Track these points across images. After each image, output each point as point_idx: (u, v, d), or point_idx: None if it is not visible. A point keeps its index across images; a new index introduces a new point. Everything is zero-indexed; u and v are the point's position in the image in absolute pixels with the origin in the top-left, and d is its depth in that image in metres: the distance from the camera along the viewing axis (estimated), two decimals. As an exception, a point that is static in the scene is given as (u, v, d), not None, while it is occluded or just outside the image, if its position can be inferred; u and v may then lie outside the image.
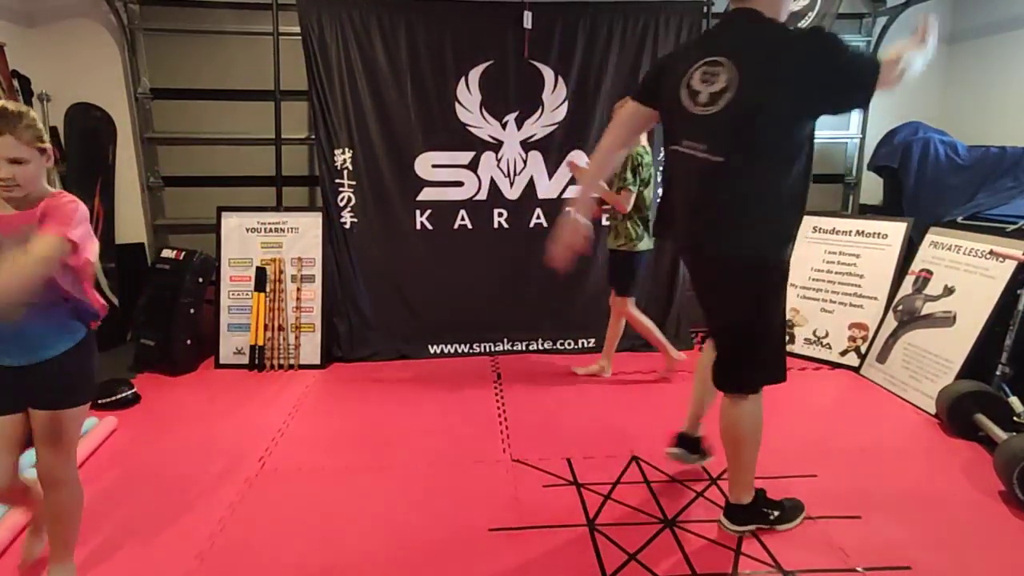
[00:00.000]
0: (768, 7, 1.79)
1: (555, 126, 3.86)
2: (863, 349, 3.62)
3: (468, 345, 3.96)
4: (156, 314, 3.61)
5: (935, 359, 3.15)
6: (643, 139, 3.21)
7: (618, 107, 2.89)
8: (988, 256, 3.09)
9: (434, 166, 3.85)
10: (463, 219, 3.93)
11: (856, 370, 3.59)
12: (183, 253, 3.70)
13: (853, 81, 1.69)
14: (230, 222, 3.77)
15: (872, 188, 4.45)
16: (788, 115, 1.75)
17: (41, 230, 1.51)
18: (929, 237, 3.51)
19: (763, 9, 1.79)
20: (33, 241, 1.48)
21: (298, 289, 3.76)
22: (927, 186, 3.89)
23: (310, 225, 3.79)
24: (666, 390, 3.39)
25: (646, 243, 3.24)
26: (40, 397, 1.69)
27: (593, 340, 3.99)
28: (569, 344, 4.00)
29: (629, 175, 3.10)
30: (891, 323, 3.49)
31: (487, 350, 3.96)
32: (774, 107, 1.73)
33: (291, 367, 3.68)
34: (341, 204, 3.83)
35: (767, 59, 1.74)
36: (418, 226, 3.90)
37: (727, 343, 2.03)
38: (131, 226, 4.10)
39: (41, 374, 1.66)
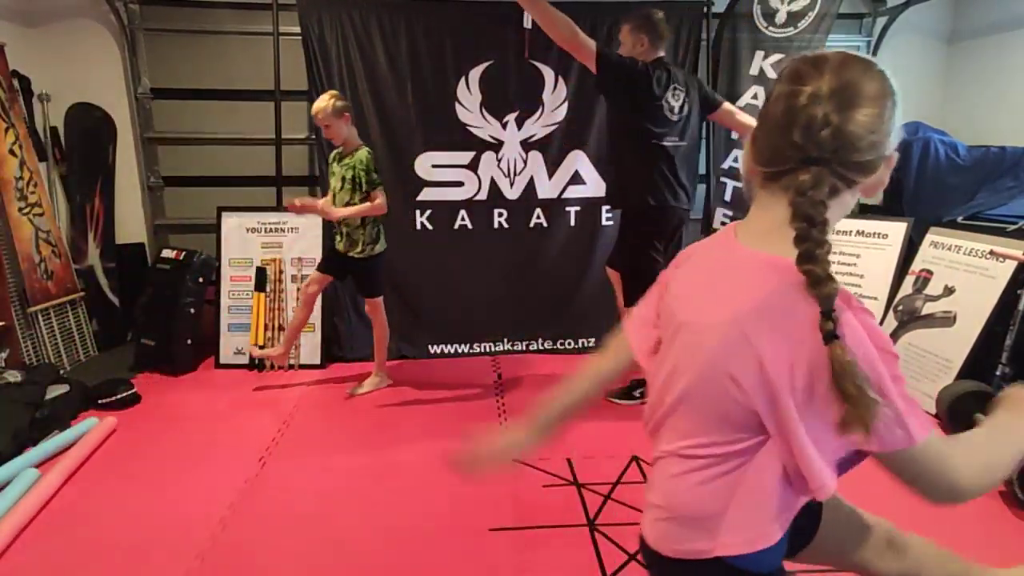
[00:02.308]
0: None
1: (555, 126, 3.86)
2: (863, 349, 3.61)
3: (468, 345, 3.96)
4: (156, 314, 3.61)
5: (935, 359, 3.14)
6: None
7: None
8: (988, 256, 3.09)
9: (434, 166, 3.85)
10: (463, 219, 3.92)
11: (856, 370, 3.58)
12: (183, 253, 3.70)
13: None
14: (230, 222, 3.77)
15: (872, 188, 4.44)
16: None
17: None
18: (929, 237, 3.51)
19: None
20: None
21: (298, 289, 3.75)
22: (927, 186, 3.89)
23: (310, 225, 3.78)
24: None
25: (382, 244, 3.22)
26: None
27: (593, 340, 3.99)
28: (569, 344, 4.00)
29: (375, 175, 3.08)
30: (891, 323, 3.49)
31: (487, 350, 3.96)
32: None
33: (291, 367, 3.68)
34: (341, 204, 3.83)
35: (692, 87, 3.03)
36: (418, 226, 3.90)
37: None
38: (131, 226, 4.10)
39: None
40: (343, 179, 3.09)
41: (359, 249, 3.16)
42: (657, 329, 1.04)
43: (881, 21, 4.25)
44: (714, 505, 0.92)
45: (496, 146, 3.85)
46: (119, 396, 3.10)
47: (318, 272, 3.25)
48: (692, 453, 0.94)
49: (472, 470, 1.12)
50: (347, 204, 3.09)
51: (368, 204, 3.07)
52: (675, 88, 2.95)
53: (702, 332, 0.90)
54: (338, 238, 3.21)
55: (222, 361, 3.69)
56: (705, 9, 3.88)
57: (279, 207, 3.85)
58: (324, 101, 3.00)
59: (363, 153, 3.08)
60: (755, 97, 3.99)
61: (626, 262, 3.04)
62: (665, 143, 2.92)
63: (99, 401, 3.07)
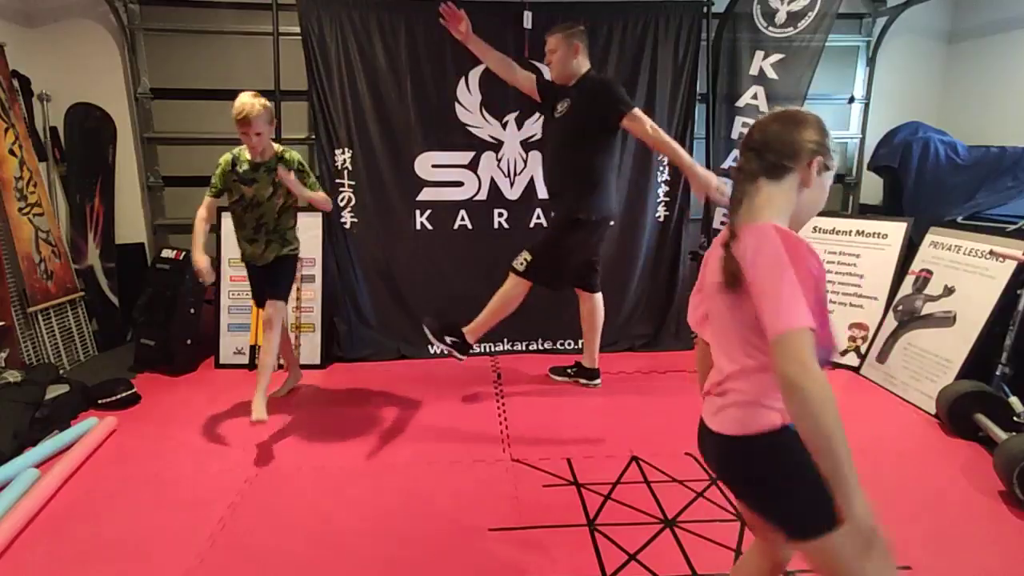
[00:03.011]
0: None
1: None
2: (863, 349, 3.62)
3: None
4: (156, 314, 3.61)
5: (935, 359, 3.15)
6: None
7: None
8: (988, 256, 3.09)
9: (434, 166, 3.85)
10: (463, 219, 3.93)
11: (856, 370, 3.59)
12: (183, 253, 3.70)
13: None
14: (230, 222, 3.76)
15: (872, 188, 4.45)
16: None
17: None
18: (929, 237, 3.51)
19: None
20: None
21: (298, 289, 3.75)
22: (927, 186, 3.89)
23: (310, 225, 3.78)
24: (667, 390, 3.39)
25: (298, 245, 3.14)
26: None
27: (593, 340, 4.00)
28: (569, 344, 4.00)
29: (311, 177, 2.97)
30: (891, 323, 3.49)
31: (487, 350, 3.96)
32: None
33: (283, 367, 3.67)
34: (341, 204, 3.83)
35: None
36: (418, 226, 3.90)
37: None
38: (131, 226, 4.10)
39: None
40: (274, 184, 2.86)
41: (292, 247, 3.03)
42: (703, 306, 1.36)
43: (881, 21, 4.25)
44: None
45: (496, 146, 3.85)
46: (119, 396, 3.10)
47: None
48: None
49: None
50: (281, 207, 2.92)
51: (326, 196, 2.95)
52: None
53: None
54: (255, 248, 2.98)
55: (222, 361, 3.69)
56: (705, 9, 3.88)
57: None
58: (255, 105, 2.68)
59: (294, 153, 2.89)
60: (755, 97, 3.99)
61: (547, 251, 3.08)
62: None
63: (99, 401, 3.07)
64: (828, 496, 1.06)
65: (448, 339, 3.09)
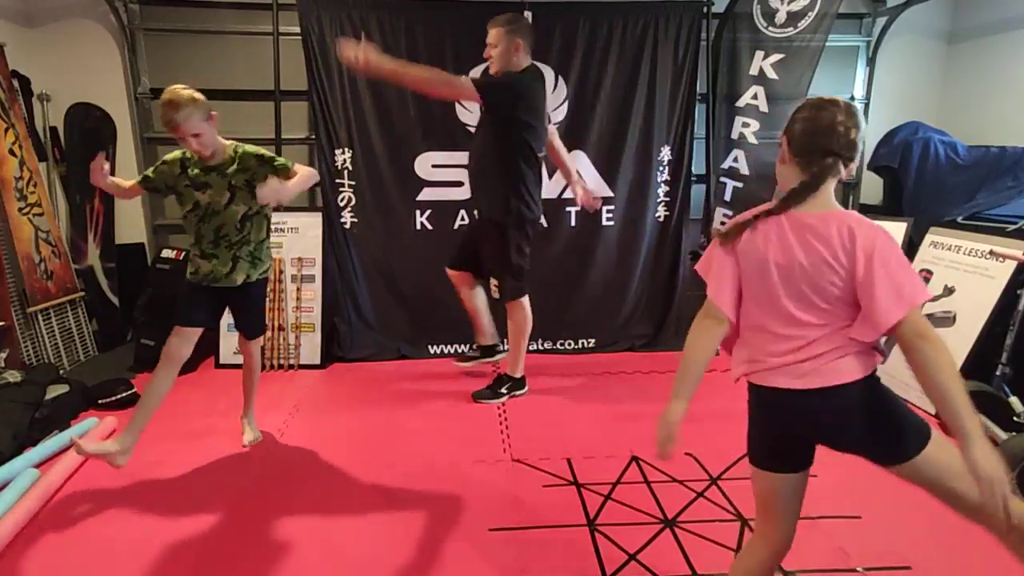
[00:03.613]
0: None
1: (555, 126, 3.85)
2: (863, 349, 3.61)
3: (468, 345, 3.95)
4: (156, 314, 3.60)
5: (935, 359, 3.14)
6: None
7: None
8: (988, 256, 3.09)
9: (434, 166, 3.85)
10: (463, 219, 3.92)
11: (856, 370, 3.58)
12: (183, 253, 3.70)
13: None
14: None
15: (872, 188, 4.45)
16: None
17: None
18: (929, 237, 3.51)
19: None
20: None
21: (298, 289, 3.76)
22: (927, 186, 3.89)
23: (310, 225, 3.79)
24: (667, 390, 3.38)
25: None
26: None
27: (593, 340, 4.00)
28: (569, 344, 4.00)
29: (278, 160, 2.50)
30: (891, 323, 3.49)
31: (487, 350, 3.95)
32: None
33: (291, 367, 3.68)
34: (341, 204, 3.83)
35: None
36: (418, 226, 3.90)
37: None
38: (131, 226, 4.10)
39: None
40: (231, 188, 2.38)
41: (264, 268, 2.57)
42: (735, 288, 1.43)
43: (881, 21, 4.25)
44: None
45: (496, 146, 3.85)
46: (119, 396, 3.10)
47: (187, 328, 2.43)
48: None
49: (668, 452, 1.42)
50: (245, 216, 2.43)
51: (308, 169, 2.44)
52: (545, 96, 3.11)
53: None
54: (216, 265, 2.45)
55: (222, 361, 3.69)
56: (705, 9, 3.88)
57: (279, 207, 3.85)
58: (181, 99, 2.18)
59: (248, 148, 2.43)
60: (755, 97, 3.99)
61: (508, 266, 3.12)
62: (540, 155, 3.05)
63: (99, 401, 3.07)
64: (916, 416, 1.38)
65: (505, 392, 3.26)
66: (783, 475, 1.45)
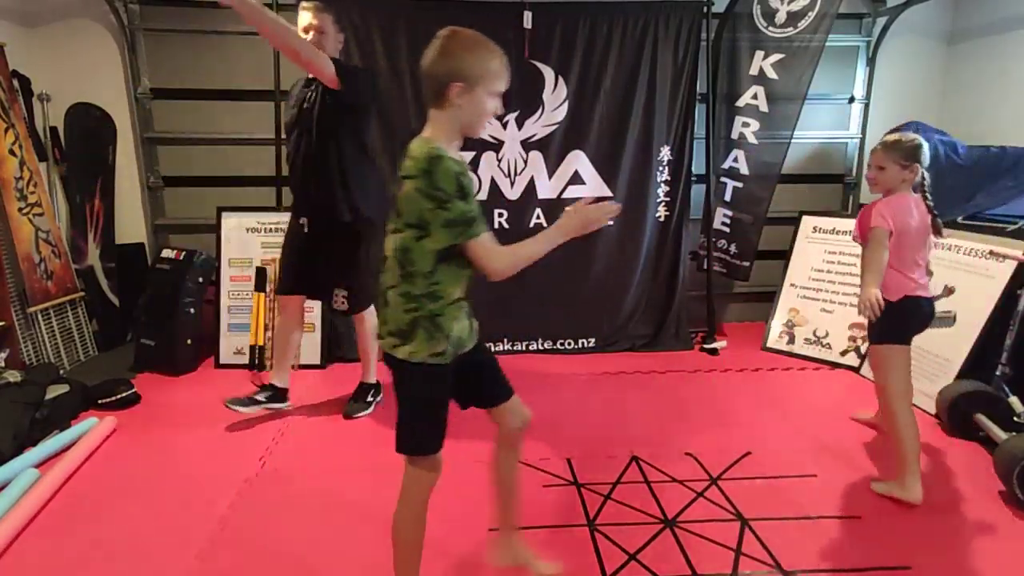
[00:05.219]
0: None
1: (555, 126, 3.86)
2: (863, 349, 3.62)
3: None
4: (156, 314, 3.61)
5: (935, 359, 3.14)
6: None
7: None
8: (988, 256, 3.09)
9: (434, 166, 3.84)
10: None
11: (856, 370, 3.59)
12: (183, 253, 3.70)
13: None
14: (230, 222, 3.77)
15: (872, 188, 4.44)
16: None
17: None
18: (929, 237, 3.50)
19: None
20: None
21: (298, 289, 3.75)
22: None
23: (310, 225, 3.78)
24: (667, 390, 3.39)
25: None
26: None
27: (593, 340, 4.00)
28: (569, 344, 4.00)
29: None
30: (891, 323, 3.49)
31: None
32: None
33: (291, 367, 3.67)
34: (341, 204, 3.82)
35: None
36: (418, 226, 3.89)
37: None
38: (131, 226, 4.10)
39: None
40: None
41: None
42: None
43: (881, 21, 4.25)
44: None
45: (496, 146, 3.85)
46: (119, 396, 3.10)
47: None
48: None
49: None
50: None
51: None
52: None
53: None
54: None
55: (222, 361, 3.69)
56: (705, 9, 3.88)
57: (279, 207, 3.86)
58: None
59: None
60: (755, 97, 3.99)
61: (361, 271, 2.89)
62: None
63: (99, 401, 3.07)
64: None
65: (371, 399, 3.11)
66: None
